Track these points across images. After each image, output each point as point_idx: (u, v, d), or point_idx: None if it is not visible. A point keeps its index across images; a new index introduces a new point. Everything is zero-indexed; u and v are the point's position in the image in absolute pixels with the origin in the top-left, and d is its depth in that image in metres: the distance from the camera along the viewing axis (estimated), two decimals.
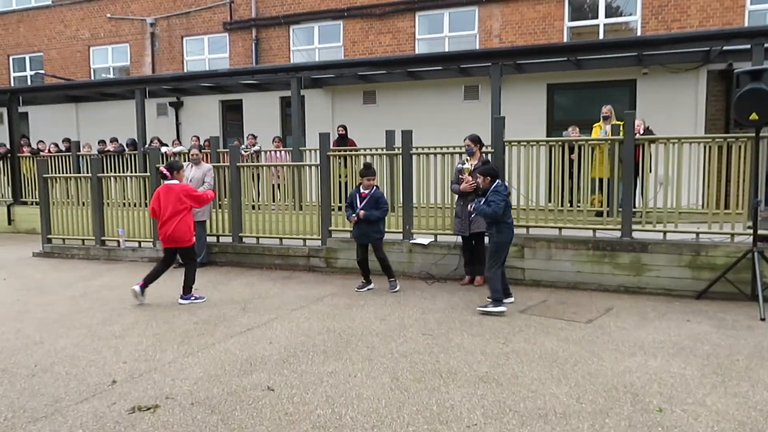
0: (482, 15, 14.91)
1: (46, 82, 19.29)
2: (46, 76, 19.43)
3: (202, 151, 12.38)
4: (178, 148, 13.83)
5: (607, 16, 14.05)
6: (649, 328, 5.68)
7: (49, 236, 10.89)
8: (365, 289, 7.43)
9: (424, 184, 8.35)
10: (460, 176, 7.40)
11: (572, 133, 10.21)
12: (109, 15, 19.13)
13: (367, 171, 7.39)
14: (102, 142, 15.18)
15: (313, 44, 16.89)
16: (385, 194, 8.66)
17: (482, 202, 6.25)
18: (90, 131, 18.02)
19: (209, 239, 9.58)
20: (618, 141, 7.60)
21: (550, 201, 8.05)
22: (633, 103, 12.87)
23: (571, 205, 7.82)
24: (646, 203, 7.58)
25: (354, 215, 7.26)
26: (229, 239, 9.52)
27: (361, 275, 7.56)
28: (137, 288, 7.00)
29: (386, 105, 15.02)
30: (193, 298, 7.05)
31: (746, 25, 12.67)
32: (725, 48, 11.16)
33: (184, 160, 12.43)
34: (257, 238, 9.30)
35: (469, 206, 6.65)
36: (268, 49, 17.26)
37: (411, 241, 8.27)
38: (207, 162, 11.21)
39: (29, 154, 15.19)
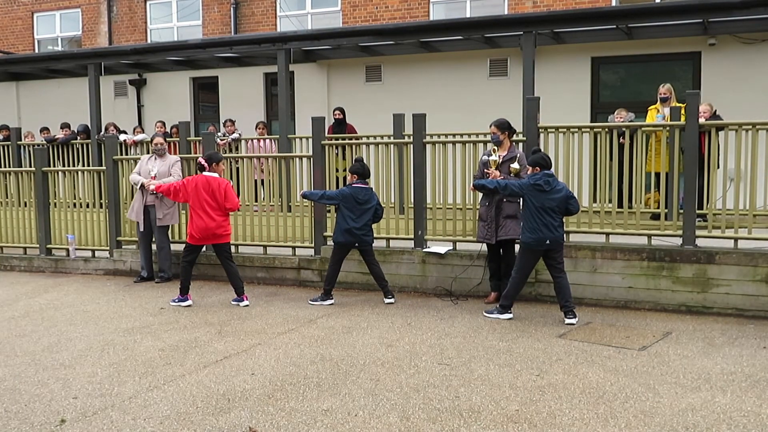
0: None
1: None
2: None
3: (168, 139, 12.43)
4: (140, 137, 13.89)
5: None
6: (716, 356, 5.66)
7: None
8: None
9: (440, 180, 8.36)
10: (486, 170, 7.41)
11: (617, 119, 10.21)
12: None
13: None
14: (46, 129, 15.23)
15: (304, 9, 16.93)
16: (393, 192, 8.72)
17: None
18: (33, 115, 18.10)
19: (176, 248, 9.60)
20: (679, 127, 7.59)
21: (594, 201, 8.03)
22: (697, 82, 12.81)
23: (621, 206, 7.81)
24: (713, 204, 7.56)
25: None
26: None
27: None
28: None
29: (394, 83, 15.03)
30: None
31: None
32: None
33: (147, 152, 12.53)
34: (236, 245, 9.33)
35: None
36: (250, 15, 17.30)
37: (424, 250, 8.28)
38: (174, 153, 11.26)
39: None
